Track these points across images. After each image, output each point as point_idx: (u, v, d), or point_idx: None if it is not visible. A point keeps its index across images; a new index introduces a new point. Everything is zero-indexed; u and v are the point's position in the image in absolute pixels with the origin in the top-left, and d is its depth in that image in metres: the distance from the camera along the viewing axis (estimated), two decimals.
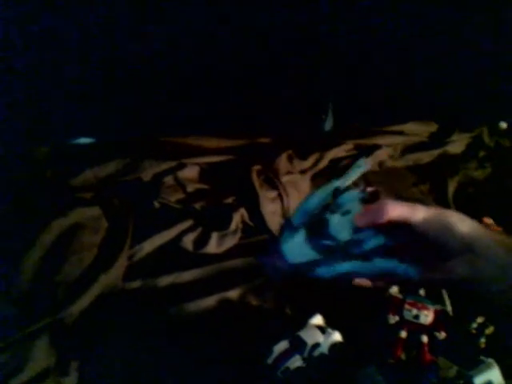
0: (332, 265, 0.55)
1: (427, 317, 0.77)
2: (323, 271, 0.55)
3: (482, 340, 0.76)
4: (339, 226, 0.55)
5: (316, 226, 0.56)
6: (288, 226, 0.57)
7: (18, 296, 0.80)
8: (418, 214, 0.54)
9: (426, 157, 1.27)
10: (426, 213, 0.54)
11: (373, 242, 0.55)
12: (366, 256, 0.55)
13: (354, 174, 0.60)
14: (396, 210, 0.54)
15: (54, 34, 1.02)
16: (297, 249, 0.56)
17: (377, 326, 0.81)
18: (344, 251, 0.55)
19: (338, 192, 0.57)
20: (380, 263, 0.55)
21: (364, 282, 0.60)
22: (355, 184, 0.59)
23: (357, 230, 0.55)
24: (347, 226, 0.55)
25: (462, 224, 0.53)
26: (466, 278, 0.53)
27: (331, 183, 0.58)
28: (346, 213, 0.56)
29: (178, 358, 0.78)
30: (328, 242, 0.55)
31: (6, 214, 0.94)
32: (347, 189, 0.58)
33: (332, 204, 0.57)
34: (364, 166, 0.61)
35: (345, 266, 0.55)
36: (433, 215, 0.54)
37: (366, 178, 1.19)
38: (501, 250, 0.52)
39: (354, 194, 0.57)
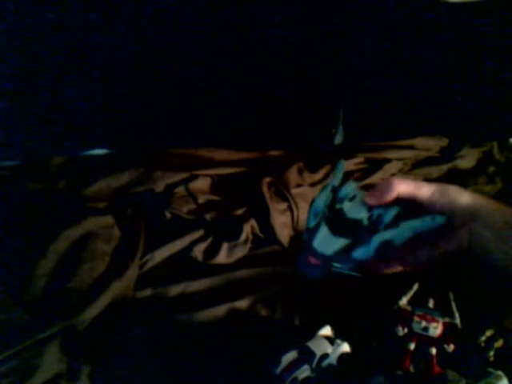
0: (365, 243, 0.57)
1: (436, 329, 0.77)
2: (360, 252, 0.58)
3: (491, 353, 0.76)
4: (354, 209, 0.58)
5: (334, 218, 0.58)
6: (307, 232, 0.60)
7: (31, 302, 0.82)
8: (423, 189, 0.57)
9: (435, 171, 1.27)
10: (430, 189, 0.57)
11: (390, 213, 0.58)
12: (392, 225, 0.57)
13: (339, 173, 0.64)
14: (402, 186, 0.58)
15: (71, 47, 1.04)
16: (326, 241, 0.58)
17: (385, 337, 0.81)
18: (369, 228, 0.58)
19: (335, 189, 0.61)
20: (407, 224, 0.56)
21: (395, 267, 0.61)
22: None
23: (370, 209, 0.57)
24: (361, 207, 0.59)
25: (464, 195, 0.57)
26: (472, 247, 0.56)
27: (326, 186, 0.61)
28: (352, 198, 0.59)
29: (186, 367, 0.79)
30: (351, 225, 0.58)
31: (20, 222, 0.95)
32: (341, 184, 0.62)
33: (335, 199, 0.60)
34: (343, 164, 0.65)
35: (377, 240, 0.56)
36: (436, 190, 0.57)
37: None
38: (500, 218, 0.54)
39: (350, 184, 0.62)
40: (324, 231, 0.58)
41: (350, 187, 0.62)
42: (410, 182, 0.59)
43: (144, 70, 1.10)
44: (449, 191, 0.58)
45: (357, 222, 0.58)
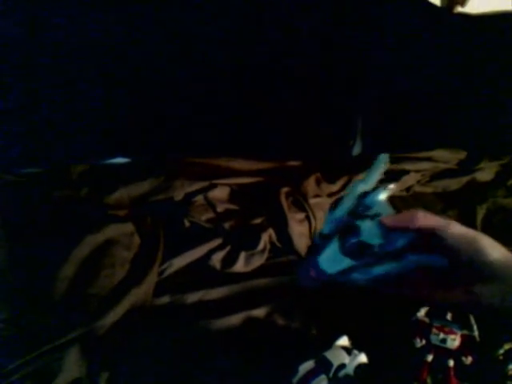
0: (367, 269, 0.56)
1: (454, 341, 0.77)
2: (359, 276, 0.56)
3: (510, 367, 0.75)
4: (371, 232, 0.55)
5: (348, 234, 0.56)
6: (320, 237, 0.58)
7: (52, 307, 0.83)
8: (452, 227, 0.52)
9: (454, 184, 1.27)
10: (460, 229, 0.52)
11: (402, 240, 0.55)
12: (398, 255, 0.55)
13: (376, 174, 0.61)
14: (428, 220, 0.54)
15: (94, 58, 1.06)
16: (332, 258, 0.57)
17: (403, 349, 0.81)
18: (377, 254, 0.55)
19: (363, 195, 0.58)
20: (413, 257, 0.55)
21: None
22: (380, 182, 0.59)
23: (386, 231, 0.55)
24: (378, 230, 0.55)
25: (495, 250, 0.51)
26: (494, 307, 0.51)
27: (355, 186, 0.58)
28: (375, 216, 0.56)
29: (203, 373, 0.79)
30: (361, 248, 0.56)
31: (43, 228, 0.97)
32: (374, 190, 0.58)
33: (360, 207, 0.57)
34: (385, 161, 0.61)
35: (380, 269, 0.55)
36: (466, 233, 0.52)
37: (393, 203, 1.19)
38: None
39: (380, 193, 0.58)
40: (333, 248, 0.57)
41: (379, 199, 0.58)
42: (439, 217, 0.56)
43: (166, 82, 1.12)
44: (481, 240, 0.52)
45: (368, 247, 0.56)
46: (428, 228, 0.53)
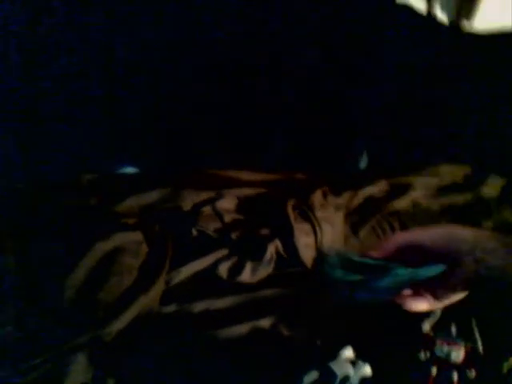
0: (377, 280, 0.63)
1: (458, 355, 0.77)
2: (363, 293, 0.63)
3: None
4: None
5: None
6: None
7: (61, 313, 0.84)
8: (423, 235, 0.61)
9: (460, 199, 1.27)
10: (430, 232, 0.61)
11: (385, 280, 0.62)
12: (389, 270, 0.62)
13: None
14: (401, 237, 0.63)
15: (103, 69, 1.08)
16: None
17: (408, 361, 0.81)
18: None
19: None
20: (413, 272, 0.61)
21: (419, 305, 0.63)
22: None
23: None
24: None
25: (464, 231, 0.60)
26: (481, 275, 0.57)
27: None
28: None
29: (209, 383, 0.80)
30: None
31: (53, 236, 0.98)
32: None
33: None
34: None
35: (384, 282, 0.61)
36: (436, 232, 0.60)
37: (399, 218, 1.20)
38: (498, 243, 0.57)
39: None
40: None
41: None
42: (410, 231, 0.65)
43: (174, 93, 1.14)
44: (450, 229, 0.61)
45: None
46: (405, 245, 0.62)
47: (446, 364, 0.78)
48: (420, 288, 0.66)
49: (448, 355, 0.78)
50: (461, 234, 0.60)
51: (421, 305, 0.66)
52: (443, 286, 0.64)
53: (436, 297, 0.65)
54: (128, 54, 1.07)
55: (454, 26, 1.08)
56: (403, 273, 0.61)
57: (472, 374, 0.76)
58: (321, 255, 0.66)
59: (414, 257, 0.63)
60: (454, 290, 0.65)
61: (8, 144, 1.10)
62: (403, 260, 0.63)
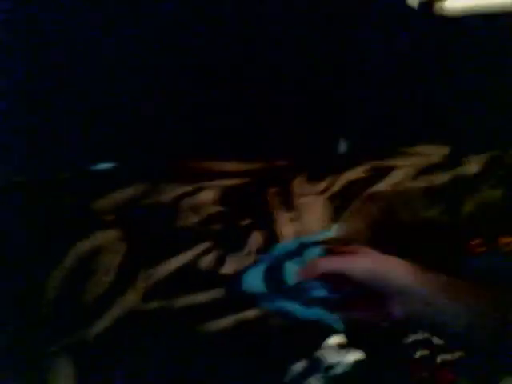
0: (274, 301, 0.64)
1: None
2: (266, 304, 0.66)
3: None
4: (290, 273, 0.63)
5: (274, 268, 0.65)
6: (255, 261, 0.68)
7: (41, 316, 0.82)
8: (356, 270, 0.58)
9: (441, 177, 1.27)
10: (363, 267, 0.58)
11: (316, 292, 0.62)
12: (307, 302, 0.63)
13: (320, 236, 0.68)
14: (330, 264, 0.60)
15: (78, 63, 1.05)
16: (251, 281, 0.66)
17: (395, 345, 0.81)
18: (288, 294, 0.63)
19: (303, 245, 0.66)
20: (314, 312, 0.63)
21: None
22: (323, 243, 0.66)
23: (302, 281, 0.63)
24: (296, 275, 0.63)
25: (397, 270, 0.57)
26: (409, 317, 0.57)
27: (303, 237, 0.68)
28: (302, 263, 0.63)
29: (196, 378, 0.80)
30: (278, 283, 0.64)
31: (28, 237, 0.96)
32: (313, 244, 0.66)
33: (294, 253, 0.65)
34: (333, 231, 0.70)
35: (283, 305, 0.64)
36: (369, 268, 0.58)
37: (382, 199, 1.20)
38: (428, 286, 0.56)
39: (316, 249, 0.65)
40: (259, 272, 0.66)
41: (313, 252, 0.65)
42: (343, 258, 0.61)
43: (149, 83, 1.12)
44: (380, 268, 0.58)
45: (285, 284, 0.63)
46: (332, 271, 0.59)
47: (433, 346, 0.78)
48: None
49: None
50: (392, 274, 0.57)
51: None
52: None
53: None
54: (104, 47, 1.04)
55: (426, 8, 1.07)
56: (315, 313, 0.63)
57: (458, 354, 0.76)
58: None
59: (338, 283, 0.62)
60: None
61: None
62: (334, 286, 0.63)
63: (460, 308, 0.54)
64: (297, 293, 0.63)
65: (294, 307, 0.63)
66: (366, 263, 0.59)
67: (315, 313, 0.62)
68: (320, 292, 0.62)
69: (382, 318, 0.60)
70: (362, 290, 0.59)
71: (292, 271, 0.63)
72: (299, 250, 0.66)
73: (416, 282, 0.56)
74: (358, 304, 0.63)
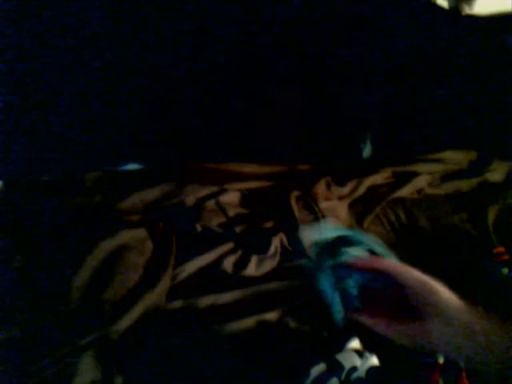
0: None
1: None
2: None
3: None
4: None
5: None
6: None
7: (68, 312, 0.84)
8: (408, 272, 0.61)
9: (465, 185, 1.26)
10: (416, 275, 0.60)
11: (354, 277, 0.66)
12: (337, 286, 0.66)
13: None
14: (390, 266, 0.63)
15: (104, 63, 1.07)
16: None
17: (414, 350, 0.81)
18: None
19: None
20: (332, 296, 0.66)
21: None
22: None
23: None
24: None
25: (446, 293, 0.59)
26: (440, 346, 0.58)
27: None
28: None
29: (217, 377, 0.80)
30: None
31: (57, 235, 0.99)
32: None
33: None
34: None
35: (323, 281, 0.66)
36: (420, 278, 0.60)
37: (404, 206, 1.20)
38: (464, 316, 0.57)
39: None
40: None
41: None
42: (396, 263, 0.64)
43: (177, 89, 1.14)
44: (433, 284, 0.60)
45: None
46: (392, 272, 0.62)
47: None
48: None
49: None
50: (442, 296, 0.58)
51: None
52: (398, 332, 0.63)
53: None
54: (129, 52, 1.06)
55: (454, 10, 1.07)
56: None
57: None
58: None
59: (387, 281, 0.63)
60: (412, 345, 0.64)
61: (9, 141, 1.10)
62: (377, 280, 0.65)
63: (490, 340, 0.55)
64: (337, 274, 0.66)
65: (325, 285, 0.65)
66: (421, 276, 0.60)
67: (332, 297, 0.65)
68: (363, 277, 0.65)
69: (419, 335, 0.60)
70: (405, 299, 0.60)
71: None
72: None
73: (461, 307, 0.58)
74: (386, 315, 0.64)
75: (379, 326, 0.64)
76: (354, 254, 0.68)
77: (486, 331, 0.56)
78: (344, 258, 0.67)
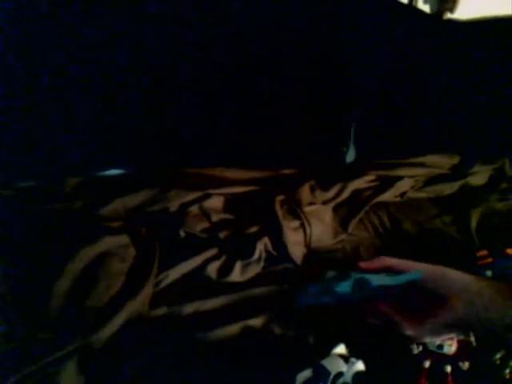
0: (332, 288, 0.71)
1: (451, 347, 0.77)
2: (327, 299, 0.72)
3: (507, 371, 0.75)
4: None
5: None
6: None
7: (49, 321, 0.83)
8: (414, 265, 0.65)
9: (447, 188, 1.27)
10: (423, 266, 0.64)
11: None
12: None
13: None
14: (395, 261, 0.67)
15: (87, 70, 1.06)
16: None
17: (400, 355, 0.81)
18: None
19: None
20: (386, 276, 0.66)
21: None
22: None
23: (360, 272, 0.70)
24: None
25: (455, 273, 0.63)
26: (465, 318, 0.61)
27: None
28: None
29: None
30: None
31: (36, 242, 0.97)
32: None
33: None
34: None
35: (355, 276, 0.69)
36: (429, 268, 0.64)
37: (387, 211, 1.20)
38: (486, 290, 0.60)
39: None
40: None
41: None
42: (404, 260, 0.67)
43: (157, 91, 1.12)
44: (443, 270, 0.64)
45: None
46: (398, 267, 0.66)
47: (438, 356, 0.78)
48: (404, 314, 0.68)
49: (440, 348, 0.78)
50: (454, 275, 0.63)
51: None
52: (426, 328, 0.66)
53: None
54: (109, 57, 1.05)
55: (436, 14, 1.08)
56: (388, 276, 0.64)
57: (465, 365, 0.76)
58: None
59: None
60: (437, 334, 0.68)
61: None
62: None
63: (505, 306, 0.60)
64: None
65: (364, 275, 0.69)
66: (426, 265, 0.65)
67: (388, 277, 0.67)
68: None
69: (446, 318, 0.62)
70: (423, 290, 0.64)
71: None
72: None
73: (475, 281, 0.62)
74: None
75: (412, 325, 0.67)
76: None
77: (491, 294, 0.60)
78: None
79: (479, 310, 0.60)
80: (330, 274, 0.77)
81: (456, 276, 0.62)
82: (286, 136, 1.24)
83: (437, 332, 0.67)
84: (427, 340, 0.73)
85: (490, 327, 0.61)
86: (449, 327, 0.64)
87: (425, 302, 0.64)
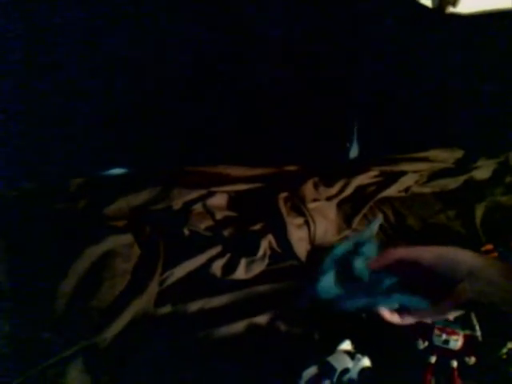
0: (355, 299, 0.65)
1: (457, 342, 0.77)
2: (347, 305, 0.66)
3: None
4: (362, 269, 0.66)
5: (343, 269, 0.67)
6: (320, 271, 0.68)
7: (54, 321, 0.83)
8: (425, 254, 0.63)
9: (452, 183, 1.27)
10: (432, 252, 0.63)
11: (388, 281, 0.65)
12: (385, 293, 0.65)
13: (372, 228, 0.72)
14: (403, 252, 0.66)
15: (90, 72, 1.06)
16: (327, 287, 0.66)
17: (406, 351, 0.81)
18: (366, 289, 0.65)
19: (359, 244, 0.68)
20: (396, 298, 0.64)
21: (394, 318, 0.65)
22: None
23: (373, 272, 0.66)
24: (367, 270, 0.66)
25: (463, 255, 0.62)
26: (474, 300, 0.60)
27: (353, 237, 0.70)
28: (366, 259, 0.67)
29: (207, 382, 0.79)
30: (353, 282, 0.66)
31: (41, 242, 0.97)
32: (367, 241, 0.69)
33: (355, 252, 0.68)
34: (379, 220, 0.78)
35: (365, 301, 0.65)
36: (437, 252, 0.63)
37: (392, 206, 1.20)
38: (495, 271, 0.60)
39: (373, 245, 0.68)
40: (330, 277, 0.66)
41: (372, 248, 0.68)
42: (413, 248, 0.66)
43: (161, 91, 1.12)
44: (451, 253, 0.63)
45: (359, 281, 0.66)
46: (405, 258, 0.65)
47: (444, 352, 0.78)
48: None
49: (446, 343, 0.77)
50: (461, 257, 0.62)
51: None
52: (433, 312, 0.66)
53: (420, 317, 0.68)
54: (111, 55, 1.05)
55: (438, 9, 1.07)
56: (398, 300, 0.65)
57: (471, 360, 0.75)
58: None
59: (411, 272, 0.65)
60: (443, 314, 0.68)
61: None
62: (400, 273, 0.65)
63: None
64: (373, 286, 0.65)
65: (376, 300, 0.65)
66: (434, 249, 0.64)
67: (398, 299, 0.64)
68: (393, 279, 0.65)
69: (454, 302, 0.62)
70: (433, 276, 0.62)
71: (362, 267, 0.66)
72: (356, 249, 0.68)
73: (483, 264, 0.61)
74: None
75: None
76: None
77: (498, 268, 0.60)
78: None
79: (484, 284, 0.60)
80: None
81: (463, 258, 0.62)
82: (289, 133, 1.24)
83: (445, 314, 0.68)
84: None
85: (494, 300, 0.60)
86: (456, 307, 0.64)
87: (435, 289, 0.64)
